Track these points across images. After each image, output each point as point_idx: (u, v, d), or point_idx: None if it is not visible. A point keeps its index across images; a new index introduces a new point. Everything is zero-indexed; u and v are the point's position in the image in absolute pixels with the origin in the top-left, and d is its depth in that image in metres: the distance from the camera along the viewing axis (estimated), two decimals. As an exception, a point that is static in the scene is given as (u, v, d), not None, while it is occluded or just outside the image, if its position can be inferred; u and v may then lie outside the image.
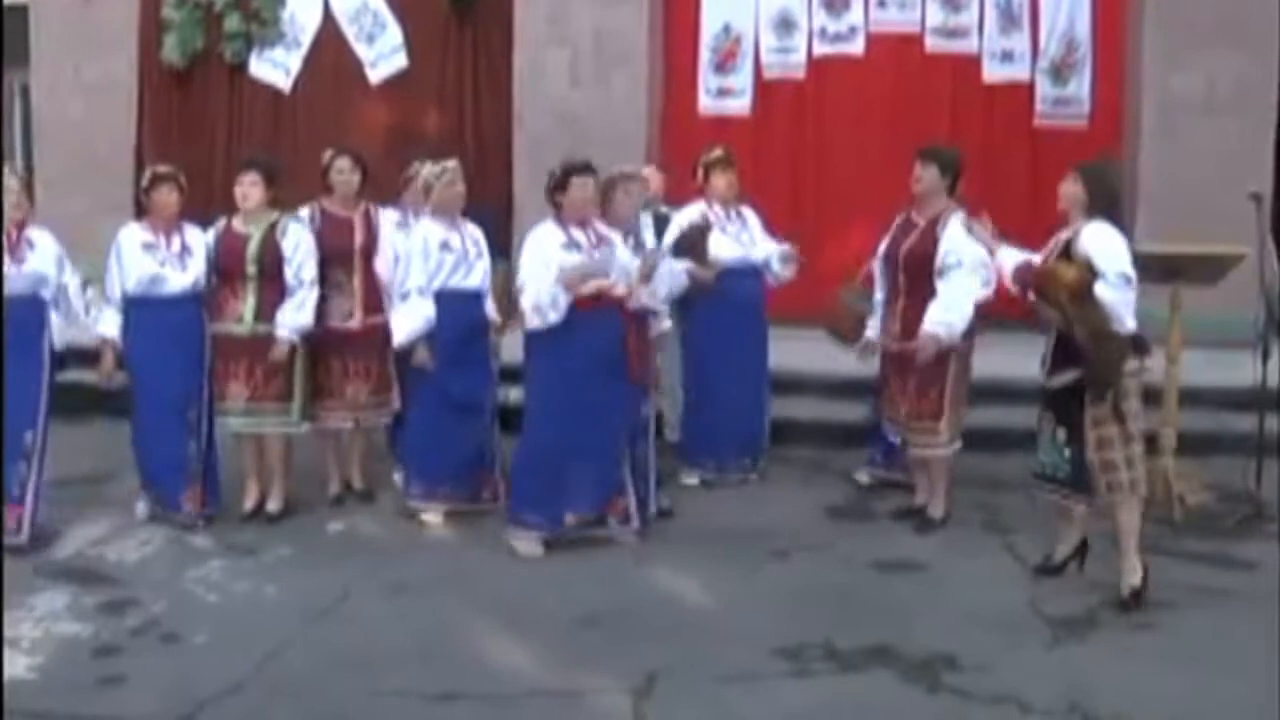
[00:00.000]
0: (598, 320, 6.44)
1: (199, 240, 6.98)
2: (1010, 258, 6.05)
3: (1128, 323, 5.66)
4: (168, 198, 6.93)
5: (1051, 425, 5.93)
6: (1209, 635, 5.39)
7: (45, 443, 6.68)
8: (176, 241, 6.91)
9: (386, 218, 7.44)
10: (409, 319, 6.89)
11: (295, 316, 6.93)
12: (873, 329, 7.05)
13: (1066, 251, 5.78)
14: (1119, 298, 5.61)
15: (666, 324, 7.10)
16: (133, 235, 6.94)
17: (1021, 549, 6.44)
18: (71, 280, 6.84)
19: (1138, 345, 5.74)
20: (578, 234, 6.54)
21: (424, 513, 7.02)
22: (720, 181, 7.73)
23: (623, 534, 6.61)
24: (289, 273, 6.94)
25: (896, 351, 6.89)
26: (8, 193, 6.57)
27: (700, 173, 7.80)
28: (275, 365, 6.91)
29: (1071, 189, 5.89)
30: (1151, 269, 7.02)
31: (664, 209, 7.89)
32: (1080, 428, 5.77)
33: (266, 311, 6.93)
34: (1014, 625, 5.52)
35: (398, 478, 7.44)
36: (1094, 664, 5.13)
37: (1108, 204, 5.85)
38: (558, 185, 6.56)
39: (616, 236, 6.71)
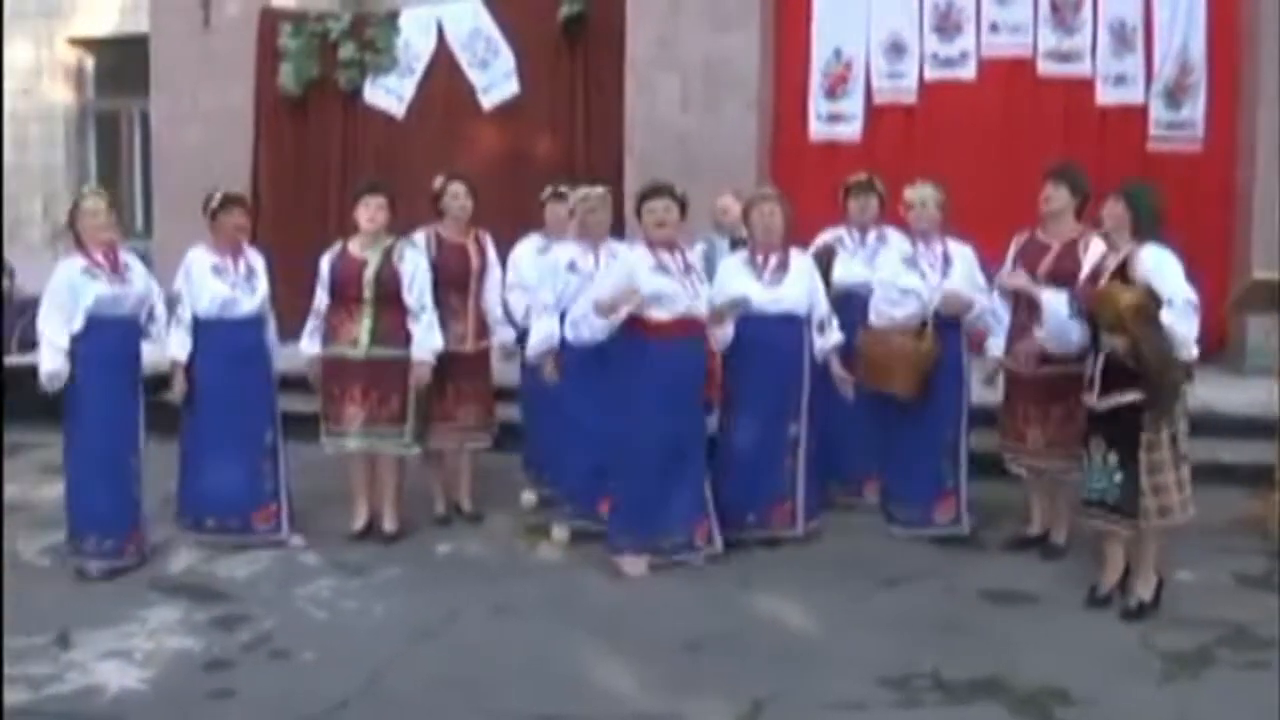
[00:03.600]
0: (682, 347, 6.50)
1: (260, 262, 7.05)
2: (1056, 299, 6.12)
3: (1192, 350, 5.63)
4: (239, 219, 7.03)
5: (1102, 449, 5.84)
6: (1328, 674, 5.22)
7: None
8: (243, 264, 6.96)
9: (528, 244, 7.64)
10: (536, 335, 7.01)
11: (430, 339, 7.03)
12: (996, 348, 6.79)
13: (1122, 275, 5.72)
14: (1186, 325, 5.58)
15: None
16: (201, 258, 6.94)
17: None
18: (158, 303, 6.90)
19: (1188, 370, 5.71)
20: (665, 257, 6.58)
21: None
22: (851, 205, 7.77)
23: (696, 559, 6.63)
24: (409, 297, 7.00)
25: (1029, 377, 6.59)
26: (95, 214, 6.60)
27: (841, 195, 7.84)
28: (389, 389, 6.99)
29: (1116, 209, 5.87)
30: (1263, 296, 6.86)
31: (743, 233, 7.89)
32: (1132, 451, 5.70)
33: (383, 335, 7.00)
34: (1125, 660, 5.41)
35: (529, 496, 7.70)
36: (1206, 701, 5.01)
37: (1153, 224, 5.81)
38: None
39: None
